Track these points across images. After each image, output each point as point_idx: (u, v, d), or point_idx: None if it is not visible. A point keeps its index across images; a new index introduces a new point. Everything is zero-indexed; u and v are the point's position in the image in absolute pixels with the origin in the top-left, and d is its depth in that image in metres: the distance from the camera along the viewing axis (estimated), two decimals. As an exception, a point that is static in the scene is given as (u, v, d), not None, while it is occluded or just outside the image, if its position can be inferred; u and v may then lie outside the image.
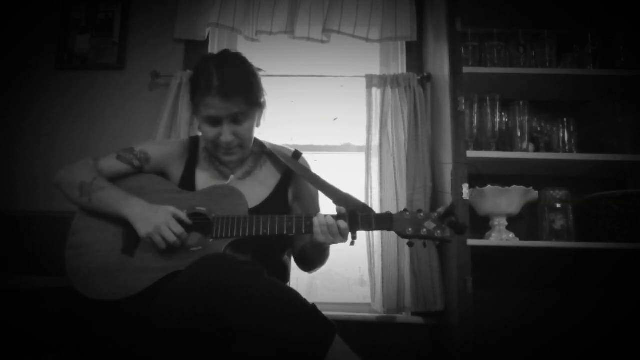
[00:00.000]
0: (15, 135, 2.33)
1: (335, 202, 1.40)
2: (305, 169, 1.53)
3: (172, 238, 1.29)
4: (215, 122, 1.39)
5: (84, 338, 1.42)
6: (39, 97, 2.36)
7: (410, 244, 1.33)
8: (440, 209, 1.31)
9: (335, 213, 1.32)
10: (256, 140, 1.58)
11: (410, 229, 1.30)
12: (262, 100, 1.47)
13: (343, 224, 1.29)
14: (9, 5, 2.43)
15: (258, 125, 1.50)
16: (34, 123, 2.34)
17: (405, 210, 1.33)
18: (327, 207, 1.46)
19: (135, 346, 1.26)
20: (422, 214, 1.31)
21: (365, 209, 1.36)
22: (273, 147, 1.57)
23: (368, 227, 1.31)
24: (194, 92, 1.41)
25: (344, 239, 1.30)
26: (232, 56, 1.47)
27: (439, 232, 1.29)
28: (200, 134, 1.56)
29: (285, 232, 1.31)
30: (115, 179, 1.44)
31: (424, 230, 1.29)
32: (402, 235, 1.31)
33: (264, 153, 1.58)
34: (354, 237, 1.31)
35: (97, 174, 1.41)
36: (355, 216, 1.30)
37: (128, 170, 1.47)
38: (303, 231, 1.31)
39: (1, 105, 2.37)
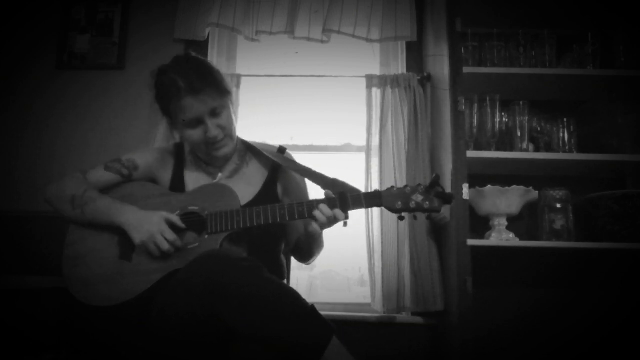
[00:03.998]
0: (16, 135, 2.33)
1: (324, 187, 1.42)
2: (292, 161, 1.55)
3: (165, 246, 1.29)
4: (197, 123, 1.40)
5: (84, 338, 1.42)
6: (39, 97, 2.36)
7: (401, 218, 1.36)
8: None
9: (324, 197, 1.35)
10: (239, 138, 1.58)
11: (399, 203, 1.33)
12: (230, 87, 1.48)
13: (339, 213, 1.32)
14: (9, 5, 2.43)
15: (235, 115, 1.50)
16: (34, 123, 2.34)
17: (392, 186, 1.37)
18: (316, 195, 1.46)
19: (136, 346, 1.26)
20: (409, 188, 1.34)
21: (353, 189, 1.39)
22: (257, 145, 1.58)
23: (359, 205, 1.34)
24: (167, 104, 1.41)
25: (337, 222, 1.33)
26: (187, 57, 1.48)
27: (427, 203, 1.33)
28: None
29: (279, 220, 1.33)
30: (105, 190, 1.44)
31: (413, 203, 1.33)
32: (392, 209, 1.34)
33: (249, 150, 1.59)
34: (346, 218, 1.34)
35: (88, 186, 1.41)
36: (345, 197, 1.33)
37: (117, 180, 1.47)
38: (296, 217, 1.33)
39: (1, 105, 2.37)
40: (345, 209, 1.33)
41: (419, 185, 1.35)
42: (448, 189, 1.84)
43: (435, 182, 1.33)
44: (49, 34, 2.41)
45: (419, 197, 1.33)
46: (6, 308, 1.62)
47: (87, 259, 1.37)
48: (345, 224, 1.35)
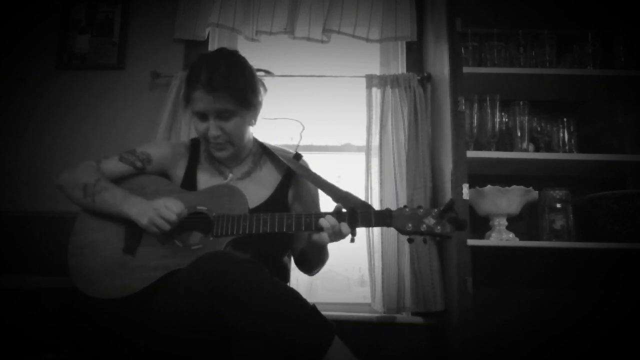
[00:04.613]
0: (16, 135, 2.33)
1: (335, 200, 1.41)
2: (306, 169, 1.55)
3: (172, 216, 1.30)
4: (203, 116, 1.41)
5: (85, 337, 1.42)
6: (39, 97, 2.36)
7: (410, 240, 1.33)
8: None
9: (333, 210, 1.33)
10: (256, 140, 1.59)
11: (410, 225, 1.30)
12: (254, 100, 1.47)
13: (345, 228, 1.29)
14: (9, 5, 2.43)
15: (252, 125, 1.51)
16: (35, 123, 2.34)
17: (405, 206, 1.33)
18: (326, 205, 1.47)
19: (137, 344, 1.26)
20: (421, 210, 1.31)
21: (364, 206, 1.37)
22: (274, 148, 1.58)
23: (367, 224, 1.32)
24: (186, 87, 1.44)
25: (343, 237, 1.31)
26: (228, 54, 1.48)
27: (439, 227, 1.29)
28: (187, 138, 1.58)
29: (285, 230, 1.32)
30: (117, 180, 1.46)
31: (424, 226, 1.29)
32: (401, 231, 1.31)
33: (265, 154, 1.59)
34: (353, 234, 1.31)
35: (100, 175, 1.42)
36: (355, 213, 1.31)
37: (130, 172, 1.49)
38: (303, 228, 1.31)
39: (2, 105, 2.37)
40: (353, 225, 1.30)
41: (433, 208, 1.32)
42: (448, 189, 1.84)
43: (450, 206, 1.28)
44: (49, 34, 2.42)
45: (431, 221, 1.30)
46: (6, 308, 1.62)
47: (90, 249, 1.38)
48: (352, 240, 1.31)
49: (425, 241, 1.35)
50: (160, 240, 1.34)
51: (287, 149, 1.62)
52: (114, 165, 1.47)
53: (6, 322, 1.60)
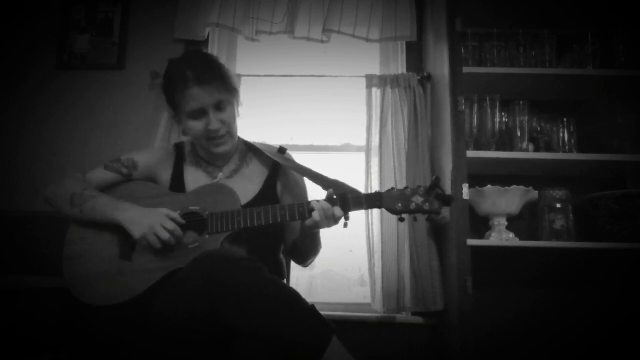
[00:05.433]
0: (16, 135, 2.33)
1: (325, 188, 1.43)
2: (292, 161, 1.57)
3: (165, 236, 1.29)
4: (200, 114, 1.40)
5: (85, 338, 1.42)
6: (39, 97, 2.36)
7: (401, 220, 1.37)
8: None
9: (325, 197, 1.35)
10: (240, 139, 1.59)
11: (399, 205, 1.34)
12: (237, 85, 1.49)
13: (339, 211, 1.32)
14: (9, 5, 2.43)
15: (239, 115, 1.51)
16: (34, 123, 2.34)
17: (392, 188, 1.37)
18: (317, 195, 1.48)
19: (137, 345, 1.26)
20: (409, 190, 1.35)
21: (354, 191, 1.40)
22: (258, 145, 1.59)
23: (359, 207, 1.35)
24: (172, 93, 1.42)
25: (336, 222, 1.34)
26: (197, 51, 1.53)
27: (427, 205, 1.34)
28: (184, 139, 1.59)
29: (279, 221, 1.34)
30: (105, 189, 1.45)
31: (413, 204, 1.34)
32: (392, 211, 1.35)
33: (250, 150, 1.60)
34: (347, 218, 1.34)
35: (87, 185, 1.42)
36: (346, 197, 1.34)
37: (117, 179, 1.48)
38: (297, 218, 1.34)
39: (1, 105, 2.37)
40: (346, 210, 1.33)
41: (419, 187, 1.36)
42: (448, 189, 1.84)
43: (436, 184, 1.34)
44: (49, 34, 2.42)
45: (419, 199, 1.34)
46: (6, 308, 1.62)
47: (86, 258, 1.37)
48: (345, 225, 1.35)
49: (415, 219, 1.40)
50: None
51: (271, 144, 1.63)
52: (100, 175, 1.47)
53: (6, 322, 1.60)
